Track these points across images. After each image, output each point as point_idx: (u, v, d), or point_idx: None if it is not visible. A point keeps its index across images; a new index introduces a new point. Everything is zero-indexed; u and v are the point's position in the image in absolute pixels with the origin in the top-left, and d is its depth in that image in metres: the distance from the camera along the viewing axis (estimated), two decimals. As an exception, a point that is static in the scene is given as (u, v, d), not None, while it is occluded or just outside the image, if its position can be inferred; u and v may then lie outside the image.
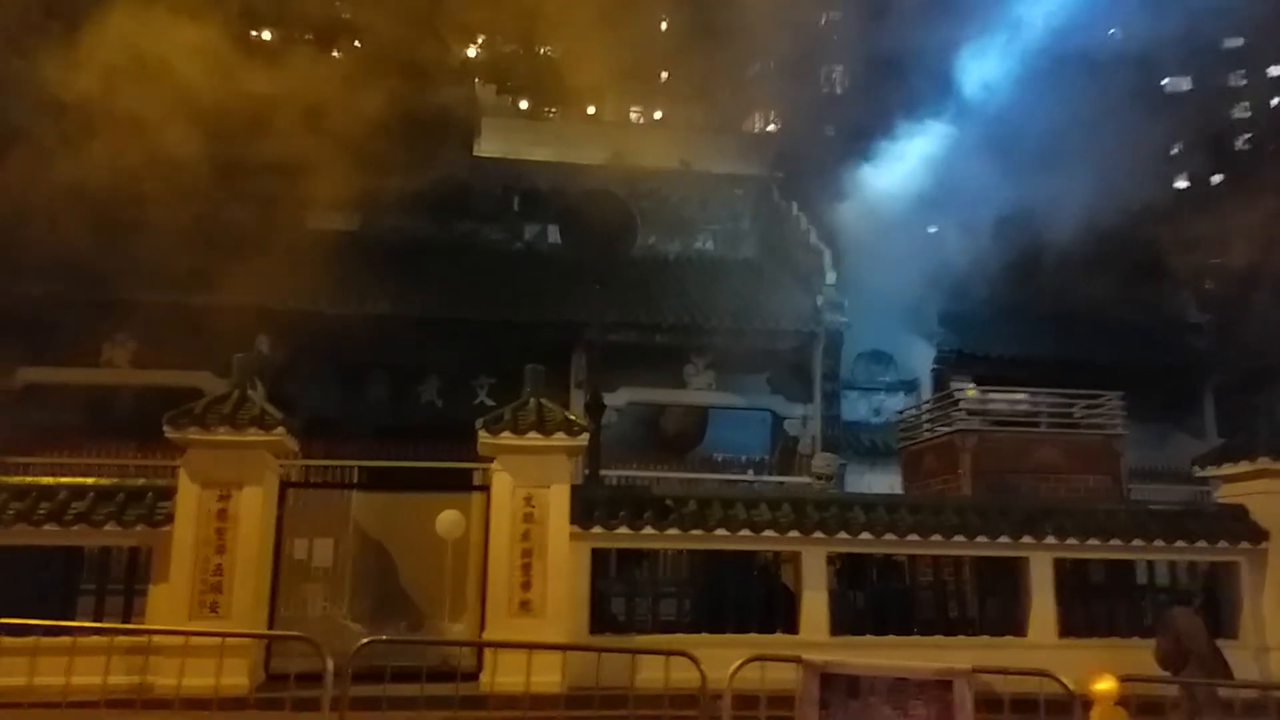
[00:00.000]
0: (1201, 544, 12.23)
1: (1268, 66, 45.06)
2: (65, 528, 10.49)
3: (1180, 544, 12.20)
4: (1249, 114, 45.81)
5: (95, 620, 10.23)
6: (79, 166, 15.33)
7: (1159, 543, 12.16)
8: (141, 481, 11.45)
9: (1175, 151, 28.47)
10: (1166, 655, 9.77)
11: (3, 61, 16.70)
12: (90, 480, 11.27)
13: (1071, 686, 7.42)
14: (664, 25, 29.79)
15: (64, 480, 11.20)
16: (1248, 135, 43.22)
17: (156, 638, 9.05)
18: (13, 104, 16.15)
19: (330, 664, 7.03)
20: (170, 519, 10.51)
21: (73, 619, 10.10)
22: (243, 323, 16.85)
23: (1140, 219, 19.95)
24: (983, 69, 21.71)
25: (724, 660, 7.39)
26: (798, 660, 7.09)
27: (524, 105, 29.80)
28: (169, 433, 10.55)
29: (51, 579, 11.05)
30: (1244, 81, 46.96)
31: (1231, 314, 21.57)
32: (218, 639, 8.41)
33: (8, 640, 7.23)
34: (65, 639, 7.91)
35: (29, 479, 11.41)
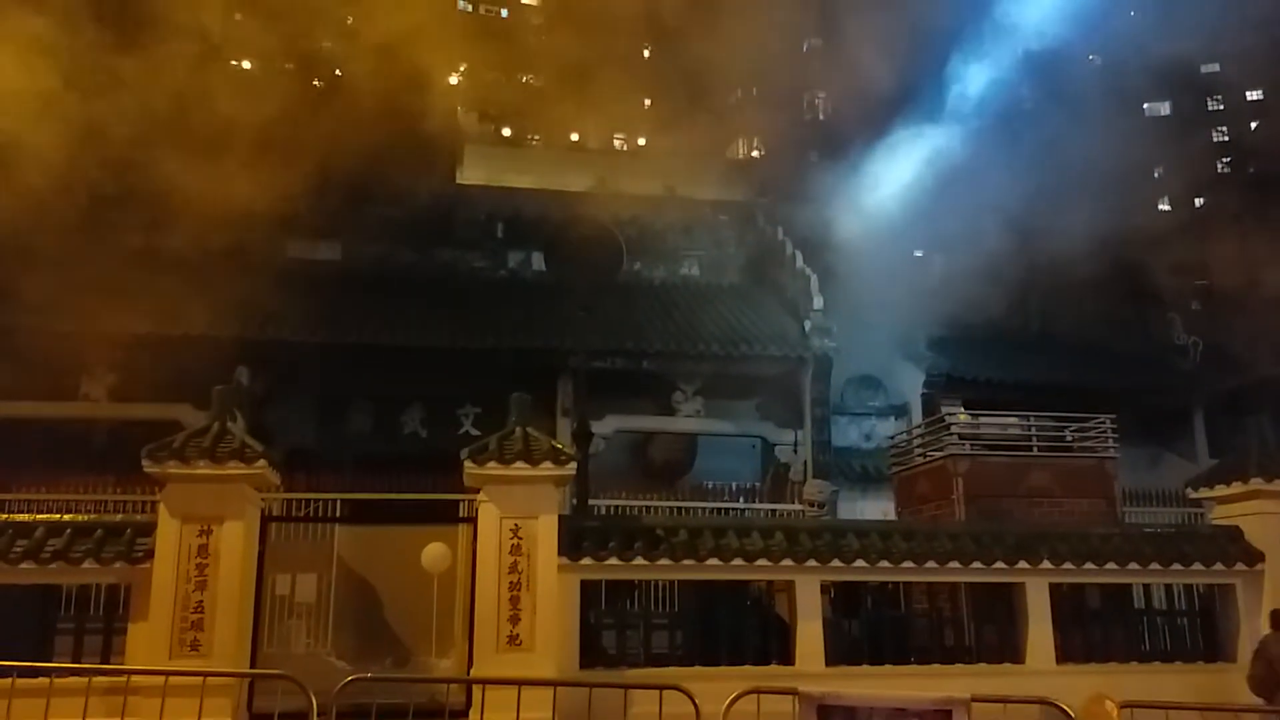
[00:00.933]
0: (1197, 566, 12.13)
1: (1245, 90, 45.73)
2: (42, 566, 10.21)
3: (1176, 567, 12.10)
4: (1227, 137, 46.44)
5: (73, 660, 9.94)
6: (55, 196, 15.14)
7: (1155, 566, 12.06)
8: (120, 517, 11.20)
9: (1157, 175, 28.72)
10: (1260, 681, 9.68)
11: None
12: (68, 517, 11.00)
13: (1072, 714, 7.28)
14: (646, 53, 29.92)
15: (40, 517, 10.93)
16: (1227, 159, 43.77)
17: (136, 677, 8.78)
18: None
19: (315, 703, 6.80)
20: (150, 555, 10.24)
21: (50, 659, 9.81)
22: (222, 354, 16.65)
23: (1125, 243, 20.04)
24: (969, 92, 21.85)
25: (718, 693, 7.21)
26: (794, 692, 6.92)
27: (506, 132, 29.81)
28: (148, 467, 10.30)
29: (28, 618, 10.75)
30: (1221, 106, 47.64)
31: (1218, 335, 21.65)
32: (199, 678, 8.16)
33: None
34: (42, 680, 7.67)
35: (4, 516, 11.13)
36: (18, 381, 17.47)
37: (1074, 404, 15.71)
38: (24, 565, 10.14)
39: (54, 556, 10.24)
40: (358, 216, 21.76)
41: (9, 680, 7.20)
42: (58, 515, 11.04)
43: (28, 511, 11.64)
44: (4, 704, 6.89)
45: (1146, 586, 12.73)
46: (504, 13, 58.52)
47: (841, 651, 11.29)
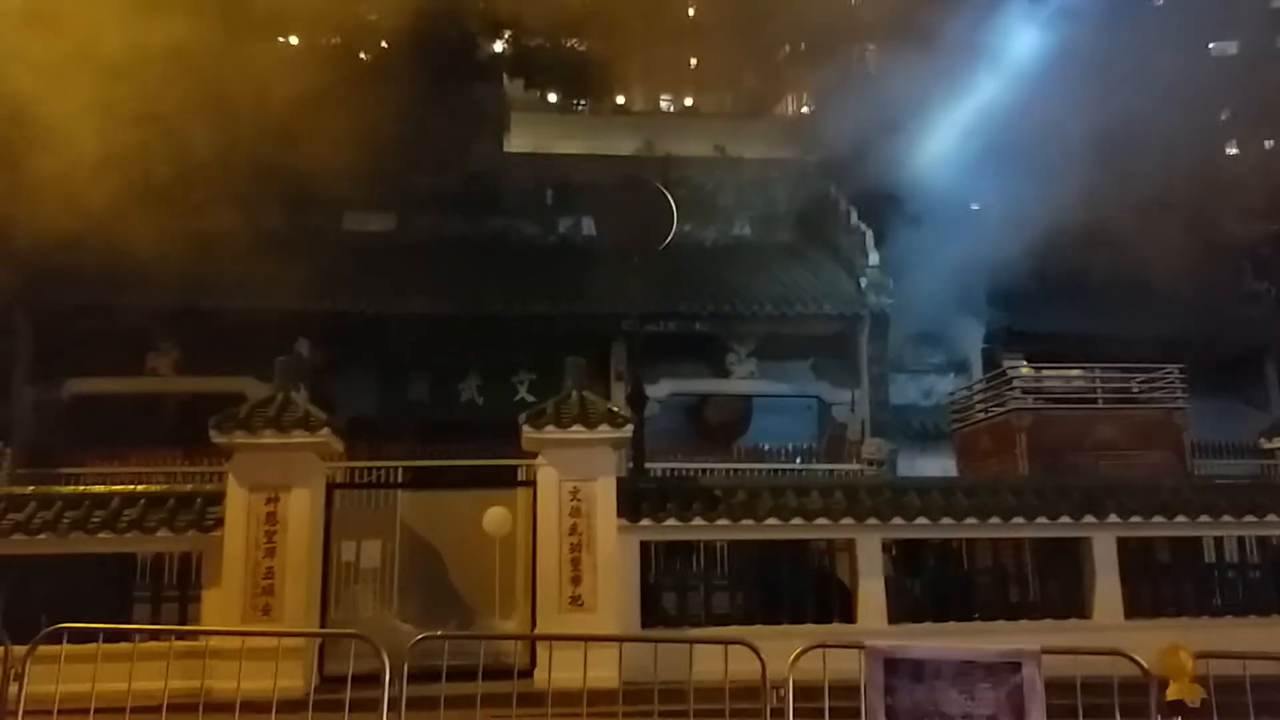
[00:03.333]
0: (1271, 518, 11.83)
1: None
2: (119, 535, 10.56)
3: (1249, 518, 11.81)
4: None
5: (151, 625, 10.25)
6: (113, 174, 15.43)
7: (1226, 518, 11.78)
8: (190, 487, 11.50)
9: (1225, 117, 27.68)
10: None
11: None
12: (141, 487, 11.32)
13: (1145, 665, 7.14)
14: (691, 11, 29.51)
15: (115, 488, 11.27)
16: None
17: (213, 641, 9.03)
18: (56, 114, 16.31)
19: (388, 663, 6.92)
20: (220, 524, 10.52)
21: (129, 625, 10.12)
22: (283, 326, 16.91)
23: (1193, 187, 19.37)
24: (1026, 34, 21.17)
25: (782, 651, 7.18)
26: (860, 647, 6.87)
27: (553, 99, 29.66)
28: (215, 437, 10.56)
29: (107, 587, 11.11)
30: (1291, 43, 45.72)
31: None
32: (273, 641, 8.36)
33: (70, 647, 7.21)
34: (125, 645, 7.91)
35: (81, 488, 11.49)
36: (87, 359, 17.97)
37: (1141, 354, 15.32)
38: (102, 535, 10.51)
39: (129, 526, 10.59)
40: (409, 188, 21.88)
41: (94, 646, 7.43)
42: (131, 486, 11.38)
43: (103, 484, 11.97)
44: (90, 668, 7.12)
45: (1218, 539, 12.44)
46: (547, -23, 58.08)
47: (904, 609, 11.24)
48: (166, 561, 11.54)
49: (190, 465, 16.02)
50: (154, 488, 11.36)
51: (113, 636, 7.78)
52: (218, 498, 10.72)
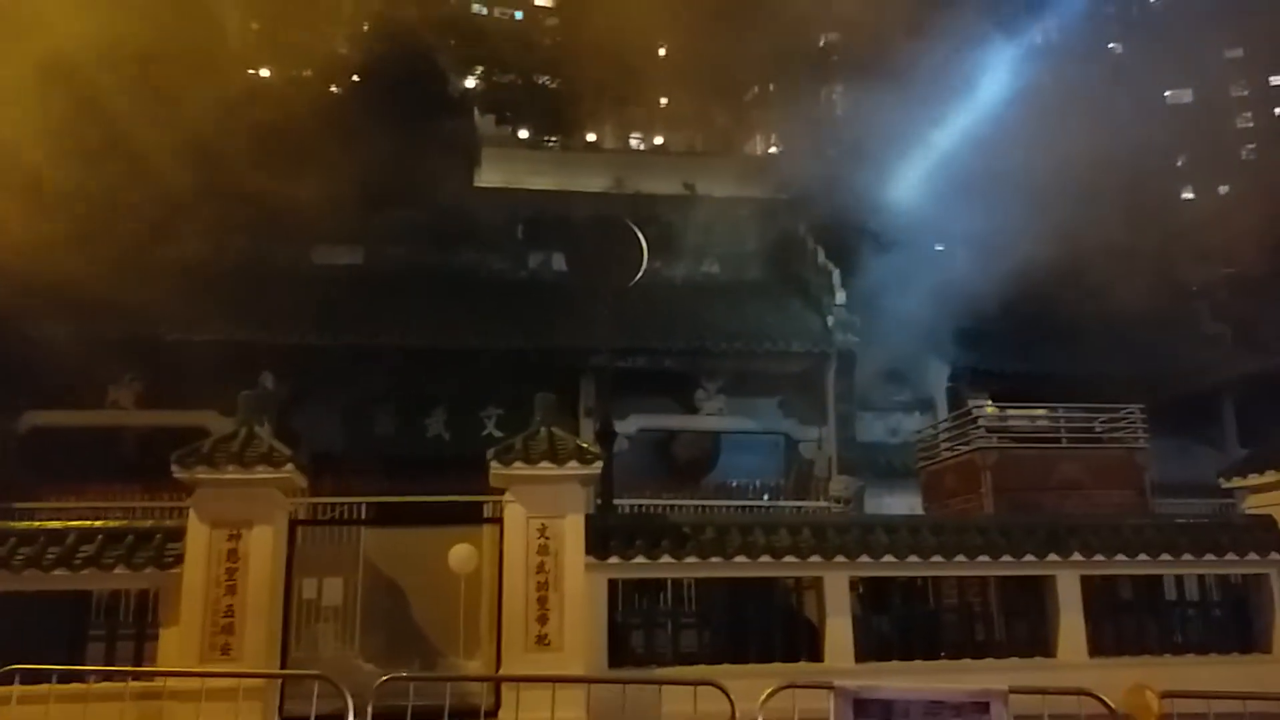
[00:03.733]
0: (1231, 556, 11.98)
1: (1269, 76, 45.15)
2: (74, 572, 10.32)
3: (1209, 557, 11.95)
4: (1251, 123, 45.92)
5: (106, 665, 10.00)
6: (79, 206, 15.30)
7: (1187, 556, 11.91)
8: (150, 523, 11.29)
9: (1180, 164, 28.41)
10: None
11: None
12: (98, 523, 11.09)
13: (1112, 705, 7.18)
14: (661, 52, 29.89)
15: (72, 524, 11.03)
16: (1252, 145, 43.26)
17: (170, 682, 8.84)
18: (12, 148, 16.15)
19: (351, 704, 6.81)
20: (180, 560, 10.32)
21: (83, 664, 9.89)
22: (247, 359, 16.76)
23: (1150, 231, 19.81)
24: (993, 77, 21.64)
25: (750, 691, 7.15)
26: (830, 686, 6.86)
27: (524, 134, 29.86)
28: (177, 472, 10.38)
29: (61, 625, 10.84)
30: (1245, 92, 47.10)
31: (1246, 323, 21.35)
32: (233, 681, 8.20)
33: (22, 688, 7.02)
34: (79, 685, 7.73)
35: (36, 524, 11.23)
36: (46, 391, 17.67)
37: (1103, 395, 15.55)
38: (57, 571, 10.26)
39: (86, 563, 10.35)
40: (379, 221, 21.85)
41: (47, 686, 7.25)
42: (89, 522, 11.15)
43: (59, 519, 11.72)
44: (42, 709, 6.95)
45: (1180, 578, 12.57)
46: (518, 15, 58.76)
47: (871, 647, 11.22)
48: (122, 599, 11.29)
49: (150, 500, 15.75)
50: (112, 523, 11.12)
51: (67, 677, 7.60)
52: (178, 534, 10.52)
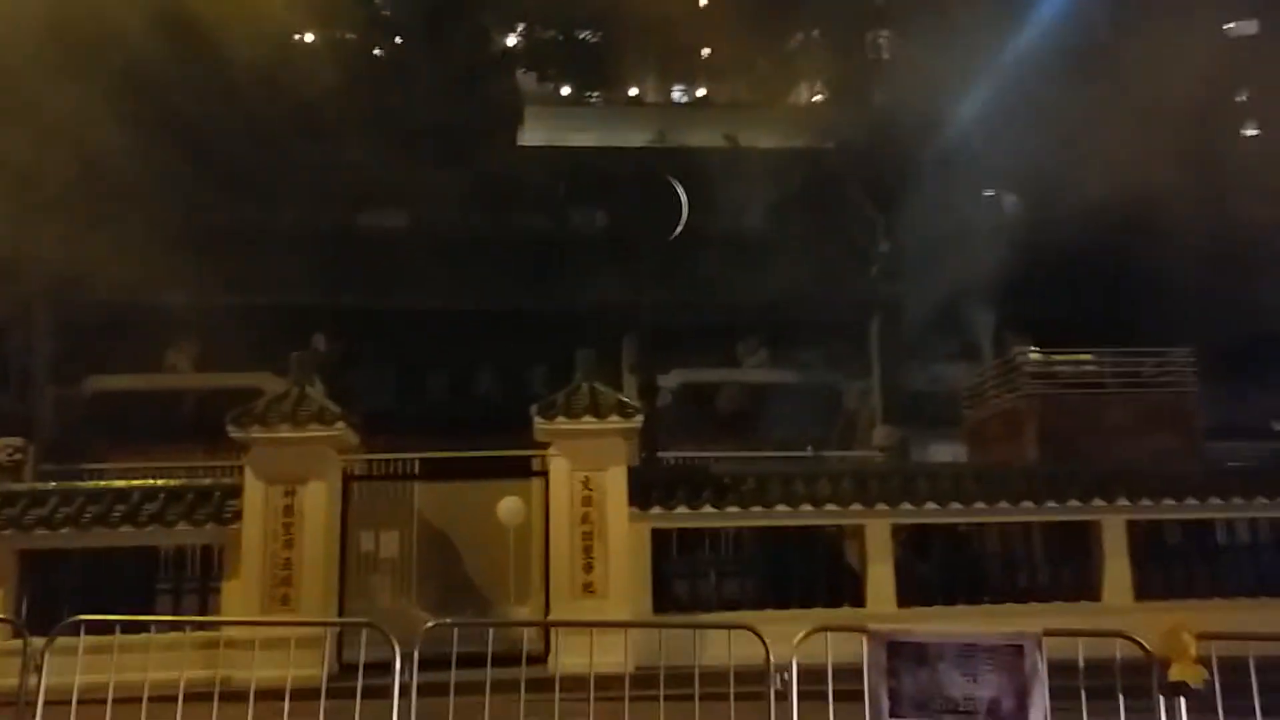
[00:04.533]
0: (1282, 500, 11.81)
1: None
2: (140, 528, 10.77)
3: (1261, 500, 11.79)
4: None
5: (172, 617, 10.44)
6: (132, 173, 15.67)
7: (1237, 500, 11.77)
8: (209, 481, 11.70)
9: (1242, 99, 27.42)
10: None
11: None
12: (160, 482, 11.53)
13: (1148, 646, 7.18)
14: (702, 2, 29.44)
15: (135, 483, 11.48)
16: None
17: (230, 632, 9.21)
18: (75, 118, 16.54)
19: (398, 651, 7.06)
20: (238, 516, 10.72)
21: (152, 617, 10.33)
22: (299, 322, 17.12)
23: (1205, 172, 19.23)
24: (1035, 16, 21.01)
25: (790, 635, 7.25)
26: (862, 630, 6.96)
27: (566, 91, 29.72)
28: (233, 432, 10.75)
29: (130, 579, 11.33)
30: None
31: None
32: (289, 631, 8.53)
33: (88, 639, 7.39)
34: (142, 635, 8.09)
35: (103, 483, 11.71)
36: (107, 356, 18.26)
37: (1151, 339, 15.27)
38: (124, 528, 10.71)
39: (150, 520, 10.80)
40: (423, 183, 22.04)
41: (113, 636, 7.61)
42: (151, 481, 11.60)
43: (124, 479, 12.18)
44: (108, 658, 7.30)
45: (1230, 522, 12.42)
46: (559, -31, 57.99)
47: (914, 593, 11.30)
48: (188, 554, 11.75)
49: (209, 460, 16.22)
50: (173, 482, 11.57)
51: (131, 628, 7.95)
52: (236, 491, 10.91)
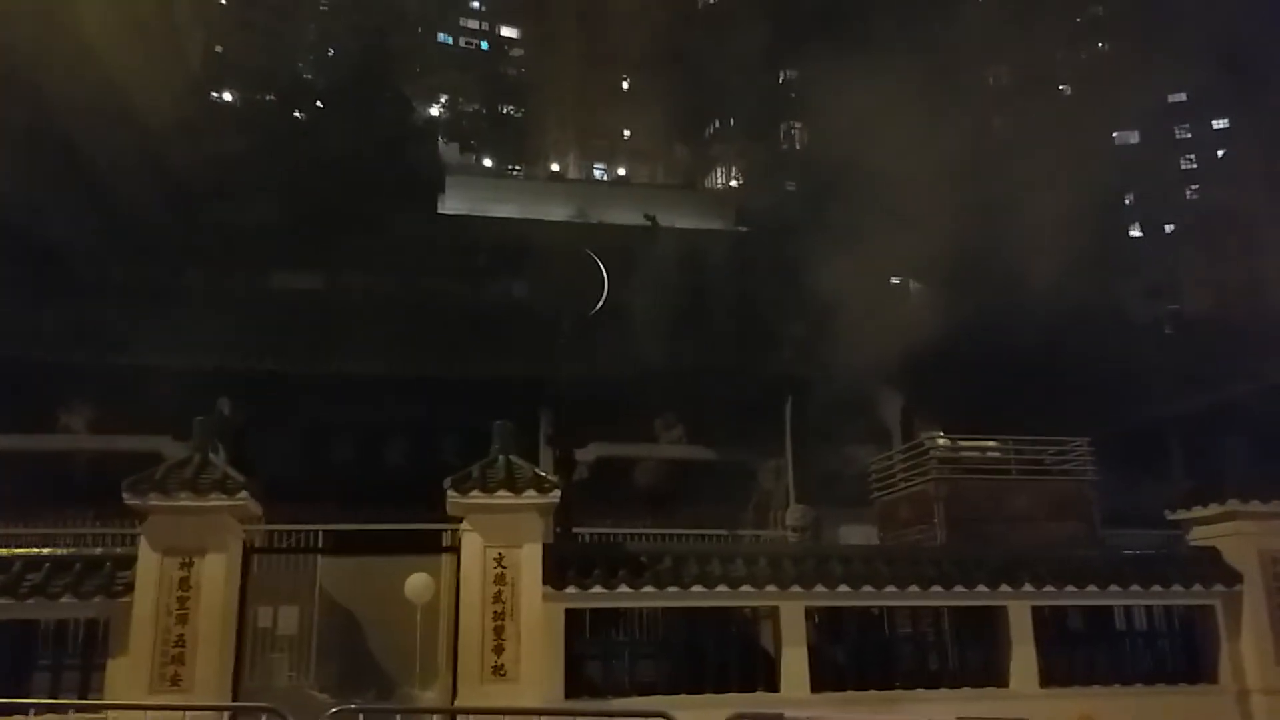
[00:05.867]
0: (1177, 588, 12.23)
1: (1211, 119, 46.66)
2: (20, 601, 10.11)
3: (1156, 588, 12.19)
4: (1195, 165, 47.38)
5: (51, 697, 9.80)
6: (40, 230, 15.15)
7: (1135, 587, 12.15)
8: (100, 550, 11.10)
9: (1128, 202, 29.18)
10: None
11: None
12: (46, 551, 10.90)
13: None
14: (625, 85, 30.24)
15: (18, 551, 10.81)
16: (1195, 185, 44.59)
17: (116, 715, 8.68)
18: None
19: (299, 737, 6.75)
20: (130, 589, 10.16)
21: (28, 696, 9.68)
22: (203, 384, 16.57)
23: (1098, 267, 20.29)
24: (944, 115, 22.06)
25: (706, 721, 7.20)
26: (779, 717, 6.94)
27: (488, 163, 29.98)
28: (129, 499, 10.24)
29: (4, 655, 10.60)
30: (1189, 135, 48.62)
31: (1191, 358, 21.87)
32: (179, 715, 8.07)
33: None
34: (19, 717, 7.57)
35: (-18, 551, 11.01)
36: (-5, 414, 17.34)
37: (1052, 428, 15.82)
38: (1, 600, 10.03)
39: (31, 592, 10.15)
40: (339, 247, 21.81)
41: (-13, 718, 7.11)
42: (36, 550, 10.94)
43: (5, 546, 11.48)
44: (-19, 742, 6.80)
45: (1128, 608, 12.81)
46: (484, 45, 59.03)
47: (827, 677, 11.29)
48: (69, 628, 11.07)
49: (101, 527, 15.45)
50: (59, 551, 10.93)
51: (8, 709, 7.44)
52: (128, 562, 10.36)
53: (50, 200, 15.67)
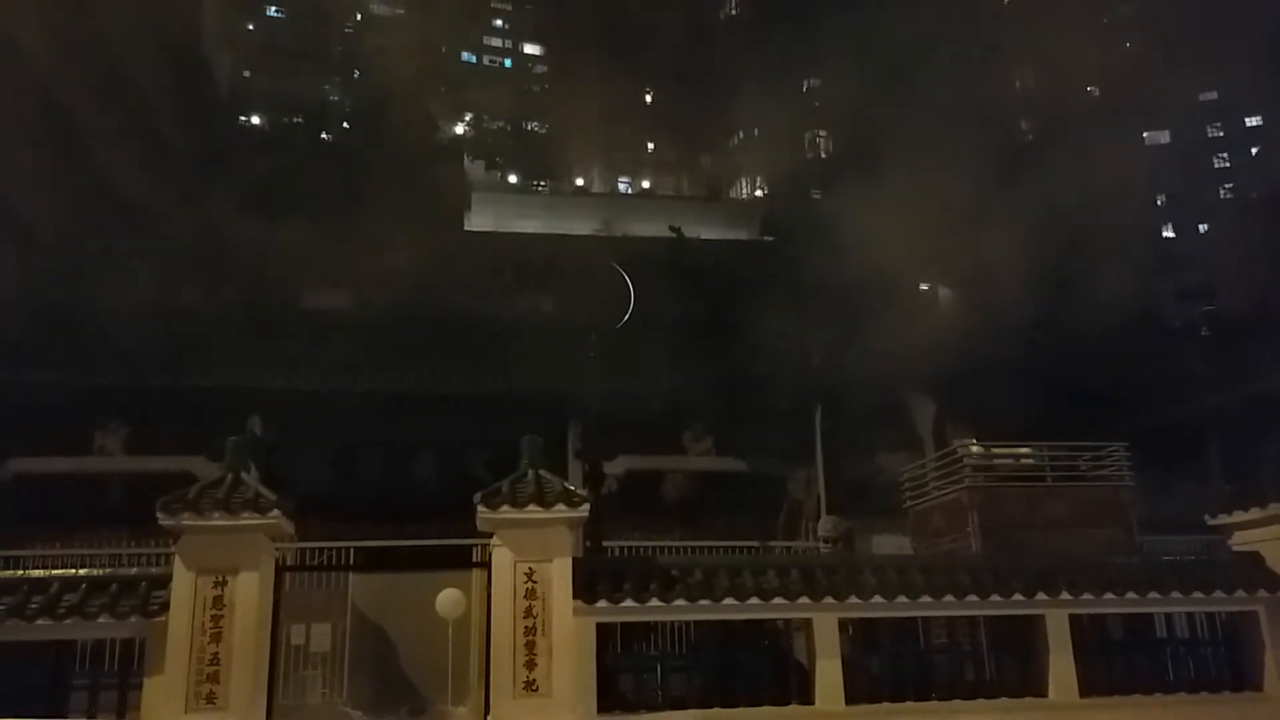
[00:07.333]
0: (1219, 594, 11.98)
1: (1244, 116, 46.06)
2: (58, 621, 10.22)
3: (1197, 595, 11.94)
4: (1228, 164, 46.74)
5: (89, 717, 9.90)
6: (69, 254, 15.39)
7: (1175, 594, 11.90)
8: (135, 570, 11.22)
9: (1160, 202, 28.85)
10: None
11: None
12: (83, 571, 11.03)
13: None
14: (648, 98, 30.33)
15: (56, 572, 10.96)
16: (1229, 184, 44.00)
17: (151, 733, 8.75)
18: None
19: (332, 754, 6.75)
20: (165, 608, 10.25)
21: (65, 716, 9.77)
22: (235, 405, 16.75)
23: (1134, 269, 20.03)
24: (971, 118, 21.96)
25: (739, 735, 7.13)
26: (817, 732, 6.84)
27: (513, 179, 30.18)
28: (163, 519, 10.34)
29: (43, 675, 10.72)
30: (1220, 133, 48.00)
31: (1227, 357, 21.53)
32: (215, 732, 8.12)
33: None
34: (56, 738, 7.64)
35: (20, 572, 11.16)
36: (32, 437, 17.60)
37: (1088, 433, 15.62)
38: (40, 621, 10.15)
39: (69, 612, 10.25)
40: (368, 266, 21.99)
41: (26, 738, 7.17)
42: (73, 570, 11.08)
43: (43, 567, 11.64)
44: (21, 762, 6.86)
45: (1168, 615, 12.56)
46: (507, 63, 59.50)
47: (861, 689, 11.16)
48: (107, 648, 11.19)
49: (136, 547, 15.63)
50: (96, 572, 11.05)
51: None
52: (163, 581, 10.45)
53: (82, 224, 15.92)
